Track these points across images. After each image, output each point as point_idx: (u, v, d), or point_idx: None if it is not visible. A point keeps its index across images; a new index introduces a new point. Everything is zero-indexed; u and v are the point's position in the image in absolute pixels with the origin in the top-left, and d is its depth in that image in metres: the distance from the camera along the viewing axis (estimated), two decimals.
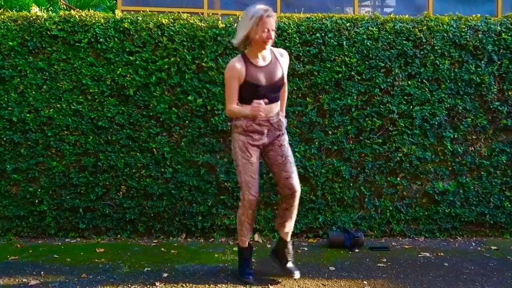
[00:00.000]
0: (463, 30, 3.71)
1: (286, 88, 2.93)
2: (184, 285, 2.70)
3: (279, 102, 2.79)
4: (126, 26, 3.60)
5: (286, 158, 2.76)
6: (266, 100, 2.60)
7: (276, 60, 2.74)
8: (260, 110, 2.55)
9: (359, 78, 3.69)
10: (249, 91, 2.65)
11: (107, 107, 3.64)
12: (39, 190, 3.66)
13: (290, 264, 2.83)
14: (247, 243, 2.86)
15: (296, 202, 2.78)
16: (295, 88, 3.68)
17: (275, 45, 3.63)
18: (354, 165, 3.74)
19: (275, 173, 2.80)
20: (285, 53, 2.85)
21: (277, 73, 2.71)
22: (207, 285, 2.70)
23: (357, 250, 3.42)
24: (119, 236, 3.72)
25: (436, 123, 3.73)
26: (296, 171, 2.80)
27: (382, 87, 3.70)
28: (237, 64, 2.65)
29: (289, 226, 2.86)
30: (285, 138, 2.82)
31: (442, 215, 3.78)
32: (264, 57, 2.71)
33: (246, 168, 2.68)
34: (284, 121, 2.83)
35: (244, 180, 2.67)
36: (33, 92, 3.61)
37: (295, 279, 2.79)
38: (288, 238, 2.87)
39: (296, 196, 2.75)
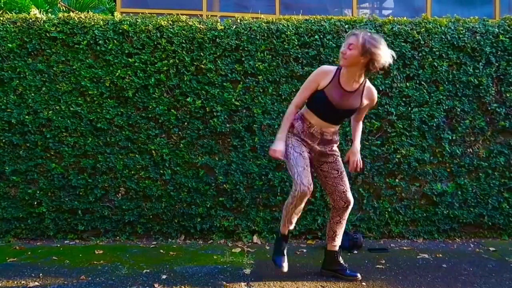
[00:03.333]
0: (461, 32, 3.73)
1: (360, 124, 2.95)
2: (183, 286, 2.70)
3: (339, 126, 2.83)
4: (125, 28, 3.61)
5: (342, 173, 2.84)
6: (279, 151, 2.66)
7: (360, 93, 2.70)
8: (274, 156, 2.66)
9: None
10: (319, 102, 2.69)
11: (106, 108, 3.64)
12: (38, 192, 3.66)
13: (348, 270, 2.91)
14: (287, 231, 2.90)
15: (347, 214, 2.89)
16: (294, 90, 3.69)
17: (274, 47, 3.66)
18: None
19: (329, 186, 2.86)
20: (374, 92, 2.78)
21: (352, 103, 2.68)
22: (206, 287, 2.70)
23: (356, 252, 3.42)
24: (118, 237, 3.71)
25: (435, 124, 3.74)
26: (349, 184, 2.88)
27: (381, 89, 3.71)
28: (327, 70, 2.69)
29: (339, 238, 2.95)
30: (338, 152, 2.88)
31: (440, 217, 3.78)
32: (353, 84, 2.66)
33: (299, 161, 2.66)
34: (337, 139, 2.88)
35: (297, 171, 2.64)
36: (32, 94, 3.62)
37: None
38: (337, 248, 2.95)
39: (349, 208, 2.86)
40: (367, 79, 2.73)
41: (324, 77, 2.67)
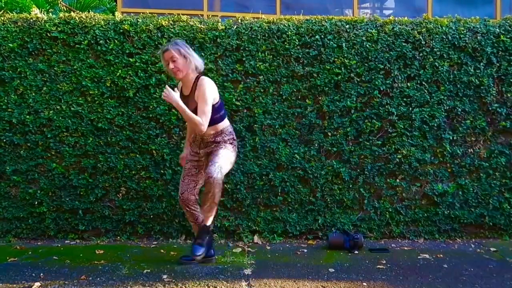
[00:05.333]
0: (462, 32, 3.72)
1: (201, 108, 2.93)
2: (183, 286, 2.70)
3: (213, 126, 2.95)
4: (126, 28, 3.61)
5: (213, 157, 2.93)
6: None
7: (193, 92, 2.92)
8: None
9: (358, 80, 3.70)
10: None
11: (106, 108, 3.64)
12: (39, 192, 3.66)
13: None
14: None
15: (208, 187, 2.87)
16: (295, 90, 3.69)
17: (275, 47, 3.65)
18: (353, 166, 3.74)
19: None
20: (199, 82, 2.91)
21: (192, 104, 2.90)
22: (206, 287, 2.70)
23: (356, 252, 3.42)
24: (118, 237, 3.71)
25: (435, 125, 3.73)
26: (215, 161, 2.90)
27: (382, 89, 3.71)
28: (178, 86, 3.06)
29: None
30: (222, 144, 2.99)
31: (441, 217, 3.78)
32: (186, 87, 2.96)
33: (183, 173, 3.09)
34: (221, 140, 2.99)
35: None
36: (33, 94, 3.62)
37: (294, 281, 2.79)
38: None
39: (209, 181, 2.82)
40: (199, 76, 2.93)
41: (177, 90, 2.94)
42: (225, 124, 3.01)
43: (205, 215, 2.99)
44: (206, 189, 2.84)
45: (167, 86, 2.83)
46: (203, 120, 2.82)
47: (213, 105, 2.89)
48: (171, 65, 2.83)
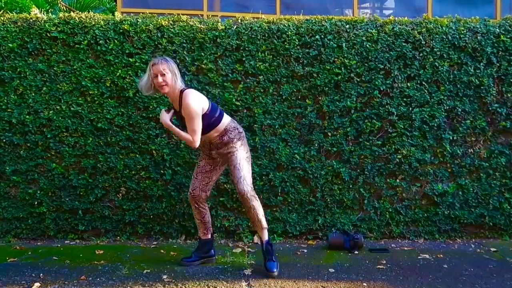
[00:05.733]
0: (462, 32, 3.72)
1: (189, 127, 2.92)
2: (183, 287, 2.70)
3: (214, 131, 2.95)
4: (125, 28, 3.61)
5: (235, 166, 2.96)
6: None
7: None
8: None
9: (358, 80, 3.70)
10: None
11: (106, 108, 3.64)
12: (39, 192, 3.66)
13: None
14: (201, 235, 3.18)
15: (244, 203, 2.95)
16: (295, 90, 3.69)
17: (275, 47, 3.65)
18: (353, 166, 3.74)
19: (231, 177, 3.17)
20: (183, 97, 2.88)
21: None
22: (206, 287, 2.70)
23: (356, 252, 3.42)
24: (118, 238, 3.71)
25: (435, 125, 3.73)
26: (241, 176, 2.93)
27: (382, 89, 3.70)
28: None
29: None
30: (235, 149, 2.98)
31: (441, 217, 3.78)
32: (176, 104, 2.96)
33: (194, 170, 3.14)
34: (227, 139, 2.97)
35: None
36: (33, 94, 3.61)
37: (294, 281, 2.79)
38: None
39: (243, 198, 2.92)
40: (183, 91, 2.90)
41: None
42: (226, 121, 2.98)
43: (259, 233, 3.03)
44: (245, 207, 2.94)
45: (162, 110, 2.94)
46: (193, 138, 2.84)
47: (205, 114, 2.87)
48: (160, 79, 2.82)
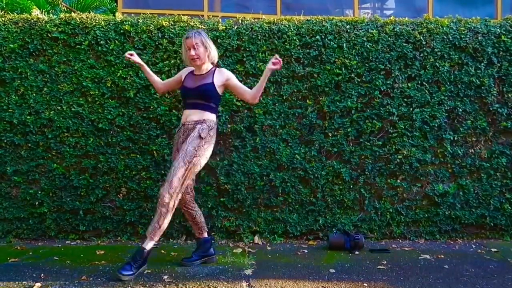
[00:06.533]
0: (463, 32, 3.72)
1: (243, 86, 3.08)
2: (184, 287, 2.70)
3: (198, 111, 2.95)
4: (126, 28, 3.61)
5: (180, 157, 2.84)
6: None
7: (211, 74, 3.01)
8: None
9: (359, 80, 3.70)
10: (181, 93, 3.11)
11: (107, 109, 3.64)
12: (40, 192, 3.66)
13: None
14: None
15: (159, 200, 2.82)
16: (295, 90, 3.69)
17: (275, 47, 3.65)
18: (354, 167, 3.74)
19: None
20: (223, 70, 3.06)
21: (202, 81, 2.98)
22: (207, 287, 2.70)
23: (357, 253, 3.42)
24: (119, 238, 3.72)
25: (436, 125, 3.73)
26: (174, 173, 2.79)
27: (382, 89, 3.71)
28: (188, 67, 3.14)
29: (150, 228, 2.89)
30: (196, 138, 2.89)
31: (442, 217, 3.78)
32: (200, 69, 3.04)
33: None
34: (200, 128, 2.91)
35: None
36: (34, 94, 3.62)
37: (294, 282, 2.79)
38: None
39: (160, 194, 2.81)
40: (217, 67, 3.08)
41: (185, 71, 3.12)
42: (212, 118, 2.97)
43: (147, 235, 2.87)
44: (157, 207, 2.84)
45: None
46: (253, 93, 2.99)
47: (219, 95, 3.02)
48: (192, 52, 2.92)
